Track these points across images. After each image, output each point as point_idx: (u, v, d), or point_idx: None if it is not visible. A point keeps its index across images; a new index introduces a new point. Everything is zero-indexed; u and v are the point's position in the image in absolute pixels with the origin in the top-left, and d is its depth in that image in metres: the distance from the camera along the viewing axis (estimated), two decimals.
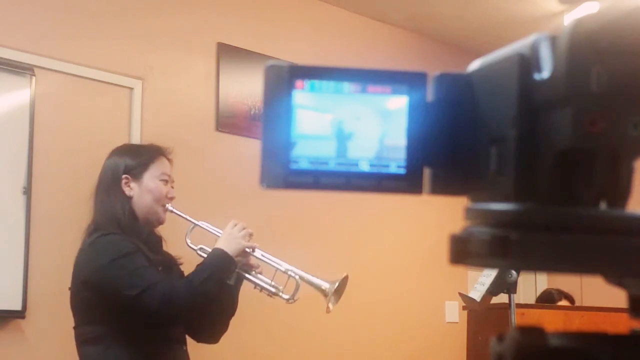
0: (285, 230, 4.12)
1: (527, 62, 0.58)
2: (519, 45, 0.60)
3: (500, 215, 0.58)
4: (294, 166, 0.63)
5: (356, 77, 0.64)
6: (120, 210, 2.60)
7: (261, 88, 0.63)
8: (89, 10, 3.66)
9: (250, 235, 2.69)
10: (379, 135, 0.64)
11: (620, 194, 0.58)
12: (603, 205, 0.58)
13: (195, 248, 2.78)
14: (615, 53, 0.56)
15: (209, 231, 2.81)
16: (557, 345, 0.59)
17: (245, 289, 2.78)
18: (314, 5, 4.53)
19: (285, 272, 2.76)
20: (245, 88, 4.13)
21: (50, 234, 3.36)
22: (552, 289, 4.27)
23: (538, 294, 4.41)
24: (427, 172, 0.64)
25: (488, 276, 3.05)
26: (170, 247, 2.80)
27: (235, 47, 4.13)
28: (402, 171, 0.64)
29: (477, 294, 3.05)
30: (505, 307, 3.09)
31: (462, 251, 0.60)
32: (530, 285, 4.93)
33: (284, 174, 0.63)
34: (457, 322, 4.67)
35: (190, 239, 2.82)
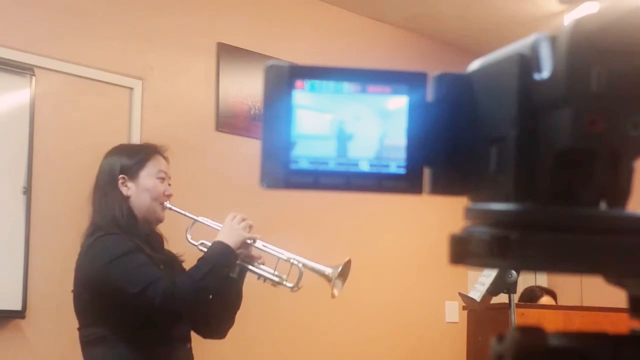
0: (285, 230, 4.11)
1: (527, 62, 0.58)
2: (519, 45, 0.60)
3: (500, 215, 0.58)
4: (294, 166, 0.63)
5: (356, 77, 0.64)
6: (118, 210, 2.59)
7: (261, 88, 0.63)
8: (89, 10, 3.66)
9: (250, 227, 2.68)
10: (379, 135, 0.64)
11: (620, 194, 0.58)
12: (603, 205, 0.58)
13: (196, 244, 2.77)
14: (615, 53, 0.56)
15: (209, 226, 2.80)
16: (557, 345, 0.59)
17: (247, 286, 2.78)
18: (314, 5, 4.53)
19: (287, 260, 2.75)
20: (245, 88, 4.13)
21: (50, 234, 3.36)
22: (534, 286, 4.28)
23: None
24: (427, 172, 0.64)
25: (488, 276, 3.05)
26: (171, 244, 2.80)
27: (235, 47, 4.13)
28: (402, 171, 0.63)
29: (477, 294, 3.05)
30: (505, 307, 3.09)
31: (462, 251, 0.60)
32: (531, 285, 4.92)
33: (284, 174, 0.63)
34: (457, 322, 4.67)
35: (191, 234, 2.82)
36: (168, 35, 3.91)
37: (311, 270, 2.75)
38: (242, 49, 4.15)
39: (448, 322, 4.82)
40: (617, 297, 0.68)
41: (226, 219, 2.69)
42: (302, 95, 0.63)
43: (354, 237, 4.48)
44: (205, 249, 2.70)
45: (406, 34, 4.92)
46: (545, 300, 4.07)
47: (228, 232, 2.65)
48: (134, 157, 2.69)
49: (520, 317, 3.16)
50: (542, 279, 4.85)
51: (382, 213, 4.52)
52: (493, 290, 3.03)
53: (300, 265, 2.74)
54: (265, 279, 2.74)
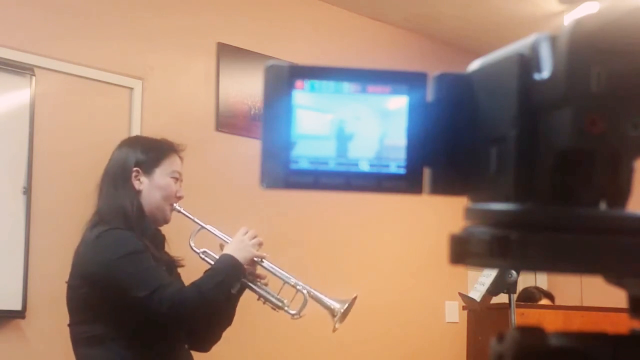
0: (285, 230, 4.12)
1: (527, 62, 0.58)
2: (519, 45, 0.60)
3: (500, 215, 0.58)
4: (294, 166, 0.63)
5: (356, 77, 0.64)
6: (128, 204, 2.48)
7: (261, 88, 0.63)
8: (88, 10, 3.66)
9: (260, 244, 2.59)
10: (379, 135, 0.64)
11: (620, 194, 0.58)
12: (603, 205, 0.58)
13: (199, 251, 2.68)
14: (615, 53, 0.55)
15: (216, 236, 2.70)
16: (557, 345, 0.59)
17: (249, 293, 2.74)
18: (314, 5, 4.53)
19: (293, 286, 2.67)
20: (245, 88, 4.13)
21: (50, 234, 3.36)
22: (532, 287, 4.28)
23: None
24: (427, 172, 0.64)
25: (488, 276, 3.05)
26: (170, 247, 2.78)
27: (235, 47, 4.13)
28: (402, 171, 0.63)
29: (477, 294, 3.05)
30: (505, 307, 3.09)
31: (462, 251, 0.60)
32: (531, 285, 4.92)
33: (284, 174, 0.63)
34: (457, 322, 4.67)
35: (194, 241, 2.72)
36: (168, 35, 3.91)
37: (316, 301, 2.67)
38: (242, 49, 4.15)
39: (448, 322, 4.82)
40: (617, 297, 0.68)
41: (237, 232, 2.59)
42: (302, 95, 0.63)
43: (354, 237, 4.48)
44: (207, 258, 2.63)
45: (406, 34, 4.93)
46: (543, 302, 4.07)
47: (238, 247, 2.55)
48: (150, 152, 2.57)
49: (520, 317, 3.16)
50: (542, 279, 4.85)
51: (382, 213, 4.52)
52: (493, 290, 3.03)
53: (306, 292, 2.66)
54: (266, 300, 2.64)
